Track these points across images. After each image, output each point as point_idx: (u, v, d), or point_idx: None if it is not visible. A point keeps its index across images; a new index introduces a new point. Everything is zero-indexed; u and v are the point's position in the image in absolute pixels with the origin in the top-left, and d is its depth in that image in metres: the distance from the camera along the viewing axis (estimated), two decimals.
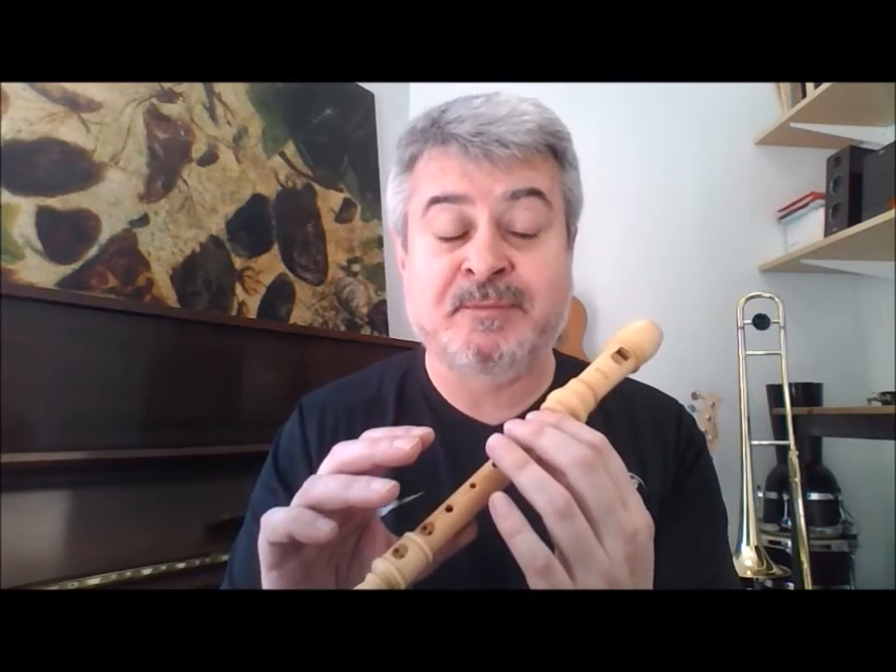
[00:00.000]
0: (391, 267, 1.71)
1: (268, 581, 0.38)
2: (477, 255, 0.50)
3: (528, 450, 0.35)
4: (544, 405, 0.39)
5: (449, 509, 0.37)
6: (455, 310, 0.52)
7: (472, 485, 0.37)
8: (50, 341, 0.90)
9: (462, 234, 0.53)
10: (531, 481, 0.34)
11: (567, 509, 0.32)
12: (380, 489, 0.35)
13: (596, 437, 0.35)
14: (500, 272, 0.51)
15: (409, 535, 0.36)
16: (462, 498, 0.37)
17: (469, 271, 0.51)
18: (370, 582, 0.34)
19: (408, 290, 0.60)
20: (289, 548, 0.37)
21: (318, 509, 0.35)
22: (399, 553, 0.35)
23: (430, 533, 0.36)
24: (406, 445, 0.36)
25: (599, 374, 0.41)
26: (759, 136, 2.04)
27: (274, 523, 0.36)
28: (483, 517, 0.36)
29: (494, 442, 0.36)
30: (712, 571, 0.55)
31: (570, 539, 0.32)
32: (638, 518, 0.35)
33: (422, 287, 0.54)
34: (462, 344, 0.52)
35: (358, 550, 0.42)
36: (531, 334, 0.53)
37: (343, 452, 0.38)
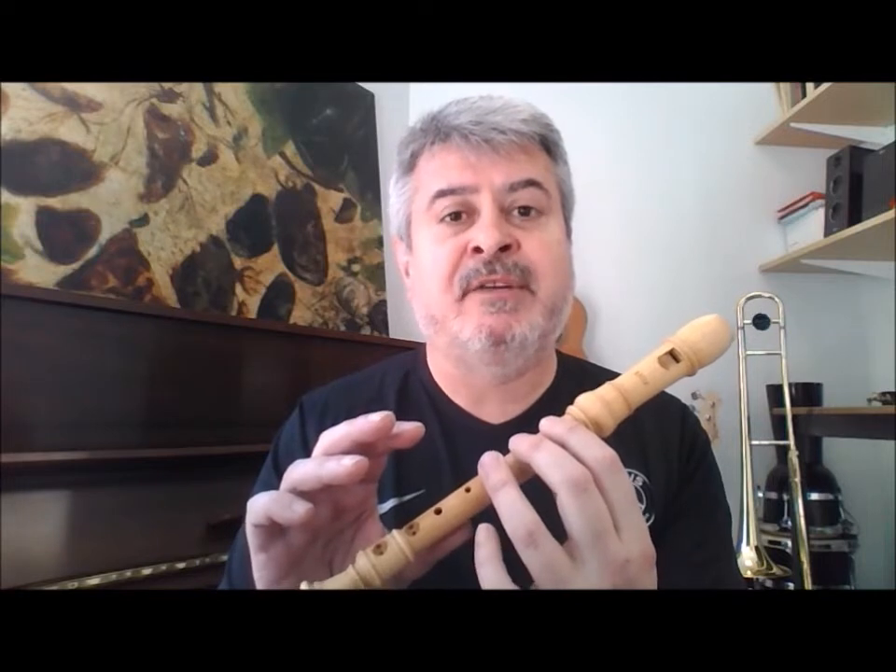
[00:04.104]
0: (391, 267, 1.71)
1: (256, 565, 0.39)
2: (484, 232, 0.52)
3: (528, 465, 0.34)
4: (569, 409, 0.37)
5: (438, 511, 0.36)
6: (464, 294, 0.53)
7: (467, 490, 0.37)
8: (50, 341, 0.90)
9: (466, 219, 0.54)
10: (504, 504, 0.33)
11: (528, 538, 0.31)
12: (347, 464, 0.35)
13: (605, 454, 0.33)
14: (507, 249, 0.52)
15: (394, 532, 0.36)
16: (453, 502, 0.36)
17: (476, 249, 0.52)
18: (346, 575, 0.35)
19: (414, 289, 0.60)
20: (273, 531, 0.38)
21: (298, 491, 0.36)
22: (379, 550, 0.35)
23: (414, 533, 0.36)
24: (377, 417, 0.37)
25: (637, 379, 0.36)
26: (759, 136, 2.04)
27: (256, 505, 0.37)
28: (487, 520, 0.36)
29: (484, 459, 0.35)
30: (717, 571, 0.55)
31: (536, 567, 0.32)
32: (634, 547, 0.33)
33: (430, 275, 0.55)
34: (475, 328, 0.52)
35: (355, 545, 0.42)
36: (541, 318, 0.54)
37: (326, 436, 0.38)
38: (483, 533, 0.34)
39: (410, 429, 0.39)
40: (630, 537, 0.33)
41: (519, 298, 0.53)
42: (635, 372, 0.36)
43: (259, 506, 0.37)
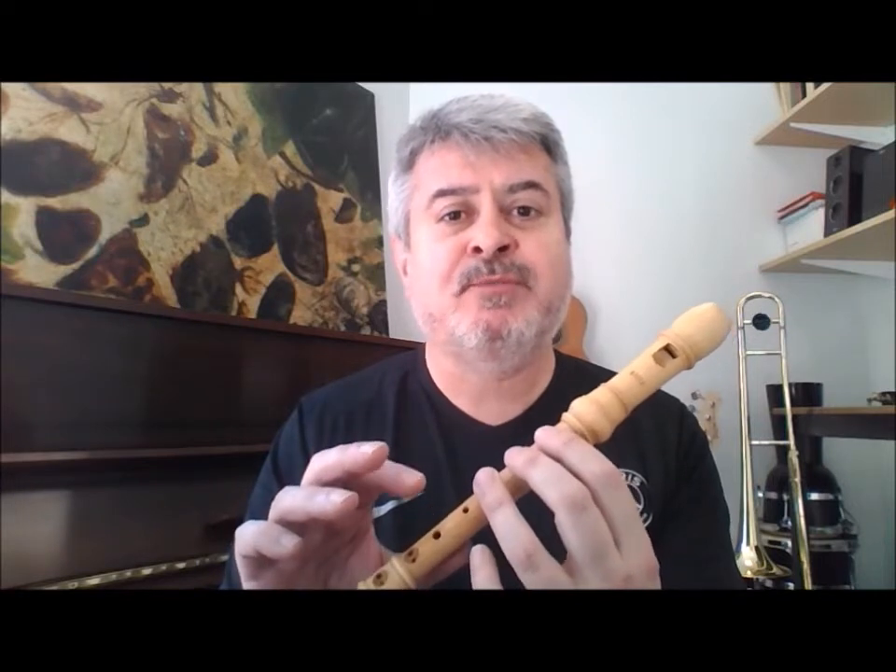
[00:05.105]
0: (391, 267, 1.71)
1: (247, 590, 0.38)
2: (483, 232, 0.52)
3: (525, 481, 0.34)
4: (564, 416, 0.36)
5: (437, 535, 0.35)
6: (463, 289, 0.53)
7: (465, 510, 0.36)
8: (50, 341, 0.89)
9: (466, 218, 0.54)
10: (501, 525, 0.32)
11: (527, 561, 0.31)
12: (336, 500, 0.34)
13: (603, 468, 0.32)
14: (505, 249, 0.52)
15: (393, 560, 0.35)
16: (451, 524, 0.36)
17: (476, 249, 0.52)
18: None
19: (412, 287, 0.60)
20: (262, 561, 0.36)
21: (286, 521, 0.35)
22: (379, 580, 0.35)
23: (414, 560, 0.35)
24: (370, 449, 0.35)
25: (633, 379, 0.35)
26: (759, 136, 2.04)
27: (244, 536, 0.36)
28: (487, 538, 0.35)
29: (480, 477, 0.34)
30: (716, 570, 0.55)
31: (536, 588, 0.31)
32: (634, 562, 0.32)
33: (429, 273, 0.55)
34: (471, 324, 0.52)
35: (350, 564, 0.41)
36: (537, 314, 0.53)
37: (318, 461, 0.37)
38: (479, 556, 0.33)
39: (411, 484, 0.37)
40: (631, 552, 0.32)
41: (515, 293, 0.53)
42: (630, 372, 0.35)
43: (248, 537, 0.35)
